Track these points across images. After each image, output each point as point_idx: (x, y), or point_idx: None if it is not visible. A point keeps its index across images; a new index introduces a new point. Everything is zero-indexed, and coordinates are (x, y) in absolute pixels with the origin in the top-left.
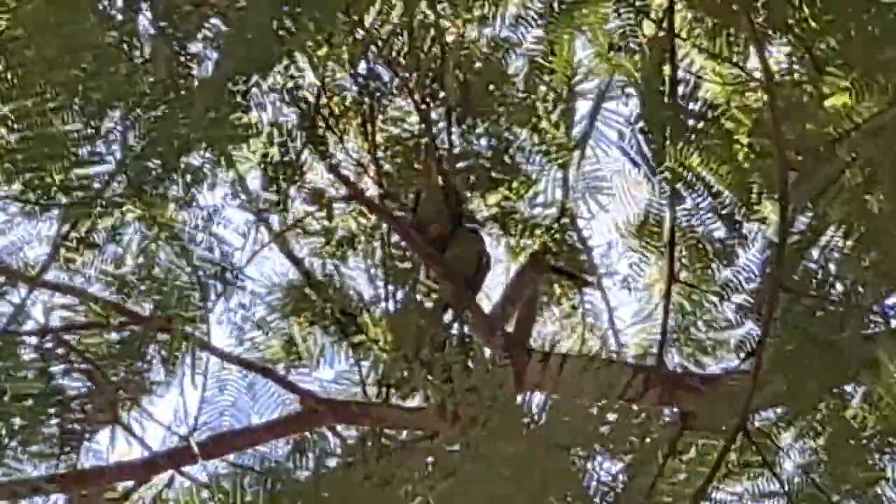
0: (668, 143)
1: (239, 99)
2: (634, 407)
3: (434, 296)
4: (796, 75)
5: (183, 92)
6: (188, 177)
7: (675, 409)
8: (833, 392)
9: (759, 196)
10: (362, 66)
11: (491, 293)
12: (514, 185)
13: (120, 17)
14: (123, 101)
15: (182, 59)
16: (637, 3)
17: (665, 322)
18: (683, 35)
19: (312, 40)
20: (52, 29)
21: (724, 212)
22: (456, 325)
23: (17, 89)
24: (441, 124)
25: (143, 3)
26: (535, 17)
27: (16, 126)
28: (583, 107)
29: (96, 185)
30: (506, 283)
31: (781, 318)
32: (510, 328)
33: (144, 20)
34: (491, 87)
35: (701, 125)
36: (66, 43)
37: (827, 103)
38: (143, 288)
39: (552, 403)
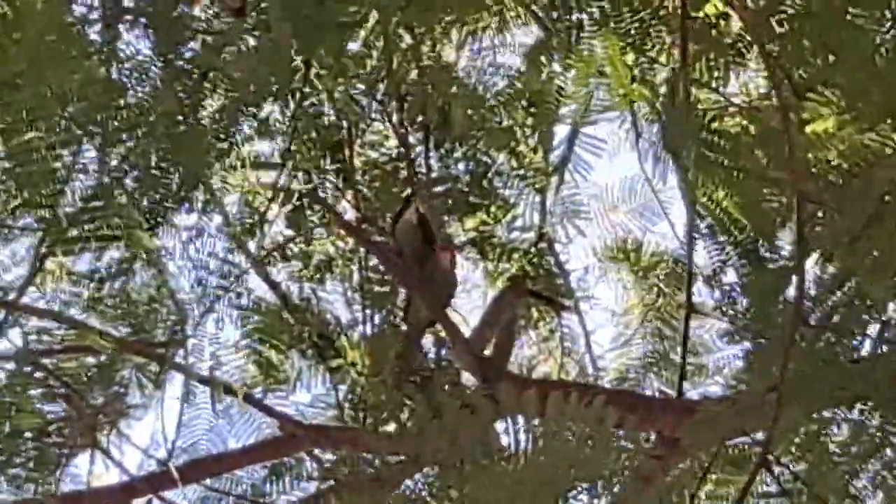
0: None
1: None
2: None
3: (411, 319)
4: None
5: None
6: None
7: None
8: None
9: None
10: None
11: (469, 317)
12: (492, 209)
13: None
14: (105, 126)
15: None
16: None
17: (685, 350)
18: (662, 61)
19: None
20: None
21: (749, 247)
22: (433, 349)
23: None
24: (419, 148)
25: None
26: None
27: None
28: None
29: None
30: (484, 307)
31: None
32: (488, 352)
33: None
34: (469, 111)
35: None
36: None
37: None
38: (119, 312)
39: (541, 435)
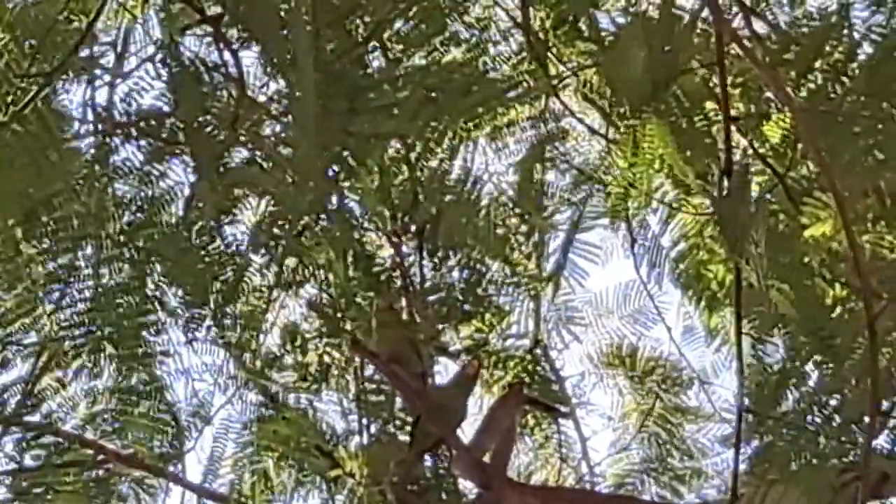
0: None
1: None
2: None
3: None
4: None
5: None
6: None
7: None
8: None
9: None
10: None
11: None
12: (487, 316)
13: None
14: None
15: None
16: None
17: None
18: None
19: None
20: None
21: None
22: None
23: None
24: (412, 257)
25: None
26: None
27: None
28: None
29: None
30: (482, 414)
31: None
32: (487, 459)
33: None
34: (463, 219)
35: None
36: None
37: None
38: (116, 426)
39: None
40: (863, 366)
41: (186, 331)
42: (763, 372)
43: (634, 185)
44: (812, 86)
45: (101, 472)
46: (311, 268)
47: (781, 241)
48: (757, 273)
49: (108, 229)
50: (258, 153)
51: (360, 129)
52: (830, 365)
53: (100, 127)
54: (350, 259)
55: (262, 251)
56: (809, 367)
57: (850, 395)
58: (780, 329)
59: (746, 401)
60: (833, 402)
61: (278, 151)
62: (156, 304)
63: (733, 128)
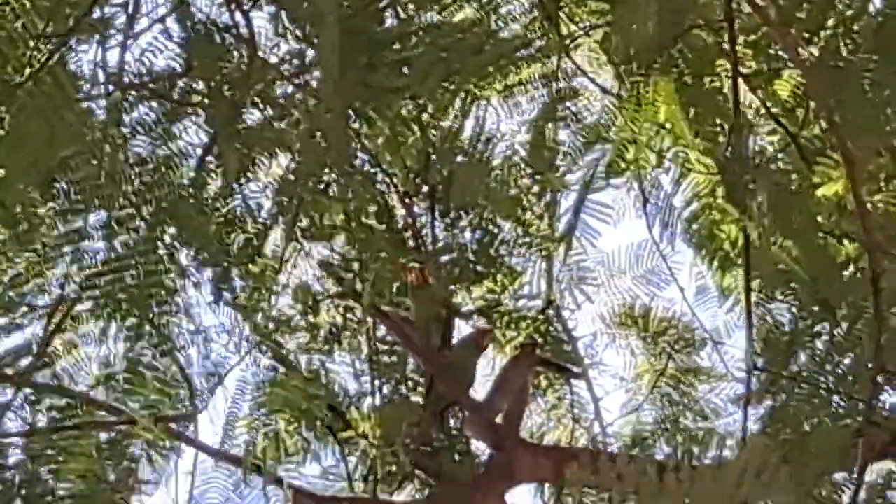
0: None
1: None
2: None
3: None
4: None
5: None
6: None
7: None
8: None
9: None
10: None
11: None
12: (499, 277)
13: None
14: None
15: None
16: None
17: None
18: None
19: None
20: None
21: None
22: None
23: None
24: (425, 218)
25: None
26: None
27: None
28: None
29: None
30: (495, 375)
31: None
32: (499, 420)
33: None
34: (475, 180)
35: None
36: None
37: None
38: (128, 387)
39: None
40: (874, 324)
41: (208, 291)
42: (775, 331)
43: (636, 141)
44: (822, 43)
45: (113, 435)
46: (326, 227)
47: (793, 199)
48: (759, 231)
49: (122, 190)
50: (272, 113)
51: (378, 83)
52: (842, 324)
53: (111, 88)
54: (372, 214)
55: (278, 210)
56: (823, 326)
57: (861, 354)
58: (789, 289)
59: (759, 361)
60: (847, 362)
61: (296, 109)
62: (169, 264)
63: (745, 87)
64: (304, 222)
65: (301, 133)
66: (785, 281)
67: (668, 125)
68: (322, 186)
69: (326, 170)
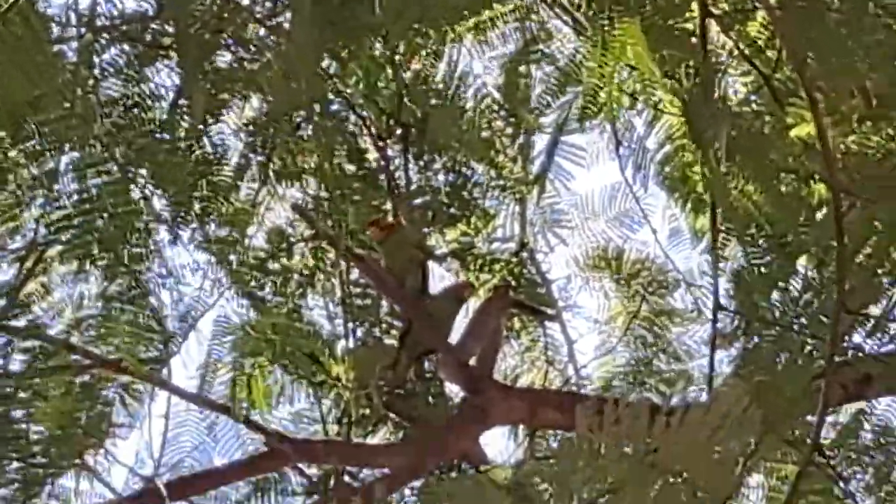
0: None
1: None
2: None
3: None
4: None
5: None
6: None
7: None
8: None
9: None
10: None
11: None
12: (473, 220)
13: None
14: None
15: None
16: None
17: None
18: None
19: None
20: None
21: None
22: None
23: None
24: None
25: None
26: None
27: None
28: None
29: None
30: (468, 317)
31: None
32: (473, 362)
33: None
34: (448, 122)
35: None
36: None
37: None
38: (102, 331)
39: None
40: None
41: (172, 230)
42: (748, 273)
43: (603, 86)
44: None
45: (87, 378)
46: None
47: (764, 142)
48: (714, 168)
49: (93, 131)
50: (244, 54)
51: (350, 22)
52: (801, 267)
53: (82, 31)
54: (343, 154)
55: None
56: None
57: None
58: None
59: (732, 304)
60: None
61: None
62: (142, 206)
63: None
64: (277, 164)
65: (273, 74)
66: (745, 224)
67: (637, 67)
68: (294, 128)
69: (299, 112)
